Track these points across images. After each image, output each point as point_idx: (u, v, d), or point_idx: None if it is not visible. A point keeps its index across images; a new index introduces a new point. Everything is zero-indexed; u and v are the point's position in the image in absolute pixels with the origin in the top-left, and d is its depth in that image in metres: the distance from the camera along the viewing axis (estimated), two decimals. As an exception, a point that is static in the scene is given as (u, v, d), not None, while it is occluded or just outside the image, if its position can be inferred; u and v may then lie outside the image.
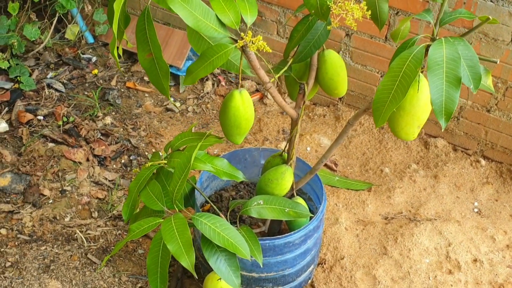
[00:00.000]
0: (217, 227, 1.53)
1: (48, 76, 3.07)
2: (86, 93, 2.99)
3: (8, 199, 2.40)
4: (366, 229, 2.33)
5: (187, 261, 1.47)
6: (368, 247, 2.25)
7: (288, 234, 1.79)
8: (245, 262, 1.82)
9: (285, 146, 1.84)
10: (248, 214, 1.72)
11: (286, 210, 1.73)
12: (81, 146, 2.64)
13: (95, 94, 2.94)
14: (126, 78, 3.11)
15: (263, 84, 1.55)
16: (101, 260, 2.17)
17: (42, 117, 2.79)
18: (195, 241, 1.99)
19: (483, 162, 2.65)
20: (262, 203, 1.73)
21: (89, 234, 2.28)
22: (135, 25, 1.36)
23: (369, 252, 2.23)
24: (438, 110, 1.26)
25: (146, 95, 3.03)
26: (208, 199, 1.75)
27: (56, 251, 2.19)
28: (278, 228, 2.06)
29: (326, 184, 2.51)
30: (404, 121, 1.42)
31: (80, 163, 2.57)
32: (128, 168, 2.60)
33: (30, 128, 2.73)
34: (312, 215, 1.81)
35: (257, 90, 3.09)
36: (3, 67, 2.94)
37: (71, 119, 2.78)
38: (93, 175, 2.53)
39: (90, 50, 3.27)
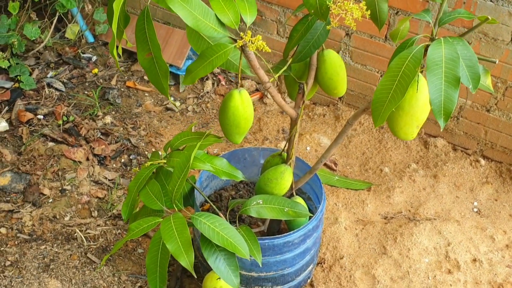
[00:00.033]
0: (216, 227, 1.53)
1: (48, 76, 3.07)
2: (86, 92, 2.99)
3: (8, 198, 2.40)
4: (366, 228, 2.33)
5: (186, 261, 1.47)
6: (367, 247, 2.26)
7: (287, 233, 1.79)
8: (244, 261, 1.82)
9: (285, 146, 1.84)
10: (247, 213, 1.73)
11: (285, 210, 1.73)
12: (81, 146, 2.64)
13: (95, 93, 2.95)
14: (126, 77, 3.11)
15: (263, 84, 1.55)
16: (101, 259, 2.17)
17: (42, 116, 2.79)
18: (195, 241, 2.00)
19: (482, 161, 2.65)
20: (261, 202, 1.73)
21: (88, 233, 2.29)
22: (135, 24, 1.36)
23: (368, 252, 2.23)
24: (437, 110, 1.26)
25: (146, 94, 3.04)
26: (207, 199, 1.76)
27: (56, 250, 2.20)
28: (277, 227, 2.06)
29: (326, 184, 2.51)
30: (403, 121, 1.42)
31: (80, 162, 2.57)
32: (128, 168, 2.61)
33: (30, 127, 2.73)
34: (312, 215, 1.81)
35: (257, 90, 3.09)
36: (3, 66, 2.94)
37: (71, 118, 2.78)
38: (93, 174, 2.54)
39: (90, 49, 3.27)
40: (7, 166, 2.53)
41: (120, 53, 1.49)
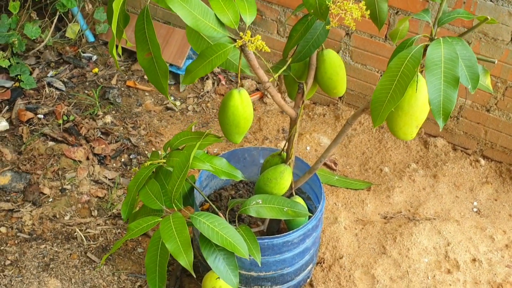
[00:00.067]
0: (216, 226, 1.53)
1: (49, 75, 3.07)
2: (86, 91, 2.99)
3: (8, 198, 2.40)
4: (365, 228, 2.33)
5: (185, 260, 1.48)
6: (367, 247, 2.26)
7: (287, 233, 1.79)
8: (243, 261, 1.82)
9: (284, 146, 1.85)
10: (247, 213, 1.73)
11: (284, 209, 1.73)
12: (81, 145, 2.64)
13: (96, 92, 2.95)
14: (126, 77, 3.11)
15: (262, 84, 1.55)
16: (101, 259, 2.18)
17: (42, 116, 2.80)
18: (194, 240, 2.00)
19: (482, 161, 2.65)
20: (260, 202, 1.73)
21: (88, 232, 2.29)
22: (135, 24, 1.36)
23: (368, 252, 2.24)
24: (436, 110, 1.26)
25: (146, 94, 3.04)
26: (206, 198, 1.76)
27: (56, 249, 2.20)
28: (277, 227, 2.06)
29: (326, 183, 2.51)
30: (402, 121, 1.42)
31: (80, 161, 2.58)
32: (128, 167, 2.61)
33: (30, 126, 2.73)
34: (311, 214, 1.82)
35: (257, 89, 3.09)
36: (4, 66, 2.94)
37: (71, 117, 2.79)
38: (93, 173, 2.54)
39: (91, 48, 3.27)
40: (7, 165, 2.53)
41: (120, 53, 1.49)
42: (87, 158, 2.60)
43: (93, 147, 2.65)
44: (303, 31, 1.60)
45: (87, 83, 3.05)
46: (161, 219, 1.57)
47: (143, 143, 2.73)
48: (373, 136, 2.79)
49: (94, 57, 3.22)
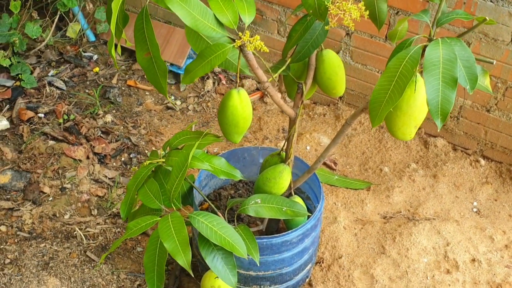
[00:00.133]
0: (214, 226, 1.53)
1: (49, 74, 3.08)
2: (87, 91, 3.00)
3: (8, 196, 2.41)
4: (365, 228, 2.33)
5: (184, 260, 1.48)
6: (366, 246, 2.26)
7: (286, 233, 1.80)
8: (242, 260, 1.82)
9: (283, 145, 1.85)
10: (245, 212, 1.73)
11: (283, 209, 1.73)
12: (81, 144, 2.65)
13: (96, 92, 2.95)
14: (127, 76, 3.12)
15: (261, 84, 1.55)
16: (100, 258, 2.18)
17: (43, 115, 2.80)
18: (194, 239, 2.00)
19: (482, 162, 2.65)
20: (259, 202, 1.73)
21: (88, 231, 2.29)
22: (134, 24, 1.36)
23: (367, 251, 2.24)
24: (434, 110, 1.26)
25: (147, 93, 3.04)
26: (205, 198, 1.76)
27: (55, 248, 2.21)
28: (276, 226, 2.07)
29: (325, 183, 2.51)
30: (401, 121, 1.42)
31: (80, 160, 2.58)
32: (128, 166, 2.61)
33: (31, 125, 2.74)
34: (310, 214, 1.82)
35: (257, 89, 3.09)
36: (5, 65, 2.95)
37: (71, 117, 2.79)
38: (93, 172, 2.54)
39: (92, 48, 3.28)
40: (7, 164, 2.54)
41: (120, 53, 1.49)
42: (87, 157, 2.61)
43: (93, 146, 2.66)
44: (302, 31, 1.60)
45: (88, 83, 3.06)
46: (159, 218, 1.57)
47: (143, 143, 2.74)
48: (373, 136, 2.79)
49: (95, 57, 3.22)
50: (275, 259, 1.85)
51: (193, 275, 1.56)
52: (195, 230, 1.94)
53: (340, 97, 2.93)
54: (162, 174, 1.70)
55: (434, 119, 1.26)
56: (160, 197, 1.64)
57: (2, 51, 2.96)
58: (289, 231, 1.80)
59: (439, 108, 1.26)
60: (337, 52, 2.78)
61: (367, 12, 1.43)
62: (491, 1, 2.29)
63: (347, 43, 2.74)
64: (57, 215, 2.35)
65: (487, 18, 1.27)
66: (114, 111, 2.89)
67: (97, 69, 3.13)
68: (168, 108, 2.96)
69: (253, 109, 2.95)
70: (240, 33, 1.38)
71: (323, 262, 2.20)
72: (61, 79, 3.05)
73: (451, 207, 2.45)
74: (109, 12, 1.28)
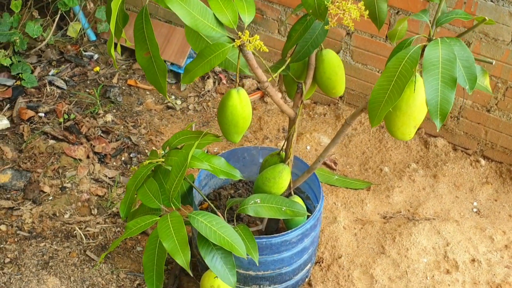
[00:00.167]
0: (213, 225, 1.53)
1: (50, 73, 3.08)
2: (87, 90, 3.00)
3: (8, 196, 2.41)
4: (364, 228, 2.33)
5: (183, 259, 1.48)
6: (366, 246, 2.26)
7: (285, 232, 1.80)
8: (242, 260, 1.82)
9: (283, 145, 1.85)
10: (245, 212, 1.73)
11: (283, 209, 1.73)
12: (81, 143, 2.65)
13: (96, 91, 2.96)
14: (127, 75, 3.12)
15: (261, 83, 1.55)
16: (100, 257, 2.18)
17: (43, 114, 2.81)
18: (194, 239, 2.00)
19: (483, 162, 2.64)
20: (259, 201, 1.73)
21: (88, 231, 2.29)
22: (134, 23, 1.36)
23: (367, 251, 2.24)
24: (433, 110, 1.26)
25: (147, 92, 3.04)
26: (205, 197, 1.76)
27: (55, 247, 2.21)
28: (275, 226, 2.07)
29: (325, 183, 2.51)
30: (400, 121, 1.42)
31: (80, 160, 2.58)
32: (128, 166, 2.61)
33: (31, 125, 2.74)
34: (309, 214, 1.82)
35: (258, 89, 3.09)
36: (5, 64, 2.95)
37: (72, 116, 2.79)
38: (93, 172, 2.55)
39: (92, 47, 3.28)
40: (7, 163, 2.54)
41: (119, 52, 1.49)
42: (88, 157, 2.61)
43: (94, 146, 2.66)
44: (302, 31, 1.60)
45: (88, 82, 3.06)
46: (159, 218, 1.58)
47: (144, 142, 2.74)
48: (374, 135, 2.79)
49: (96, 56, 3.22)
50: (274, 259, 1.85)
51: (192, 275, 1.56)
52: (194, 229, 1.94)
53: (341, 97, 2.93)
54: (162, 173, 1.70)
55: (433, 119, 1.26)
56: (160, 196, 1.64)
57: (3, 50, 2.97)
58: (289, 231, 1.80)
59: (438, 108, 1.26)
60: (338, 52, 2.78)
61: (367, 12, 1.43)
62: (492, 1, 2.29)
63: (347, 43, 2.74)
64: (57, 215, 2.35)
65: (486, 18, 1.26)
66: (114, 111, 2.89)
67: (97, 68, 3.13)
68: (168, 107, 2.96)
69: (254, 108, 2.95)
70: (239, 33, 1.38)
71: (322, 262, 2.20)
72: (62, 79, 3.05)
73: (451, 207, 2.45)
74: (109, 11, 1.28)
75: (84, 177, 2.51)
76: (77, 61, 3.17)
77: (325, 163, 2.65)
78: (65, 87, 2.99)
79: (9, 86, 2.95)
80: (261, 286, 1.94)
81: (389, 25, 2.57)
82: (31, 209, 2.35)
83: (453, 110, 2.65)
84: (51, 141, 2.65)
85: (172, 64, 3.06)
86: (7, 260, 2.14)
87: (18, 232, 2.26)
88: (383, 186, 2.54)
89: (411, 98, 1.38)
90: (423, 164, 2.65)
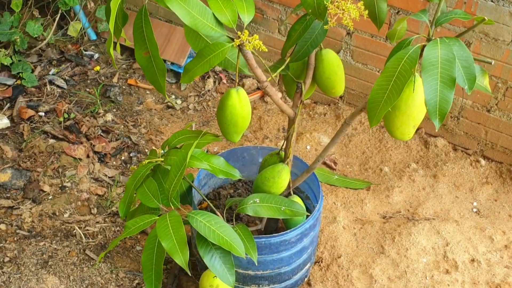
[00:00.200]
0: (212, 225, 1.54)
1: (50, 73, 3.08)
2: (87, 89, 3.00)
3: (8, 195, 2.41)
4: (364, 228, 2.33)
5: (181, 259, 1.48)
6: (365, 246, 2.26)
7: (284, 232, 1.80)
8: (241, 259, 1.82)
9: (282, 145, 1.85)
10: (244, 212, 1.73)
11: (282, 209, 1.73)
12: (81, 143, 2.65)
13: (97, 91, 2.96)
14: (127, 75, 3.12)
15: (260, 83, 1.55)
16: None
17: (43, 113, 2.81)
18: (193, 239, 2.00)
19: (483, 162, 2.64)
20: (258, 201, 1.73)
21: (87, 230, 2.30)
22: (133, 23, 1.36)
23: (366, 251, 2.24)
24: (432, 110, 1.26)
25: (147, 92, 3.04)
26: (204, 197, 1.76)
27: (55, 247, 2.21)
28: (275, 226, 2.07)
29: (325, 183, 2.51)
30: (399, 121, 1.42)
31: (80, 159, 2.58)
32: (128, 165, 2.62)
33: (31, 124, 2.74)
34: (309, 214, 1.82)
35: (258, 88, 3.09)
36: (6, 64, 2.95)
37: (72, 115, 2.80)
38: (93, 171, 2.55)
39: (93, 47, 3.28)
40: (7, 162, 2.54)
41: (119, 51, 1.49)
42: (88, 156, 2.61)
43: (94, 145, 2.66)
44: (302, 30, 1.60)
45: (89, 81, 3.06)
46: (158, 217, 1.58)
47: (144, 142, 2.74)
48: (374, 135, 2.79)
49: (96, 55, 3.22)
50: (273, 259, 1.85)
51: (191, 274, 1.57)
52: (193, 229, 1.94)
53: (341, 97, 2.93)
54: (161, 173, 1.70)
55: (432, 119, 1.26)
56: (159, 196, 1.64)
57: (3, 50, 2.97)
58: (288, 231, 1.80)
59: (437, 108, 1.26)
60: (338, 52, 2.77)
61: (366, 12, 1.43)
62: (492, 1, 2.29)
63: (347, 43, 2.74)
64: (57, 214, 2.35)
65: (486, 18, 1.26)
66: (114, 110, 2.89)
67: (98, 67, 3.13)
68: (168, 107, 2.97)
69: (254, 108, 2.95)
70: (239, 32, 1.38)
71: (322, 262, 2.20)
72: (62, 78, 3.05)
73: (451, 207, 2.45)
74: (108, 11, 1.29)
75: (84, 177, 2.51)
76: (78, 60, 3.17)
77: (325, 163, 2.65)
78: (65, 87, 2.99)
79: (9, 85, 2.95)
80: (260, 285, 1.94)
81: (389, 25, 2.57)
82: (30, 208, 2.36)
83: (453, 110, 2.65)
84: (51, 140, 2.65)
85: (172, 63, 3.07)
86: (7, 259, 2.14)
87: (17, 231, 2.27)
88: (383, 186, 2.53)
89: (410, 98, 1.38)
90: (423, 164, 2.65)
